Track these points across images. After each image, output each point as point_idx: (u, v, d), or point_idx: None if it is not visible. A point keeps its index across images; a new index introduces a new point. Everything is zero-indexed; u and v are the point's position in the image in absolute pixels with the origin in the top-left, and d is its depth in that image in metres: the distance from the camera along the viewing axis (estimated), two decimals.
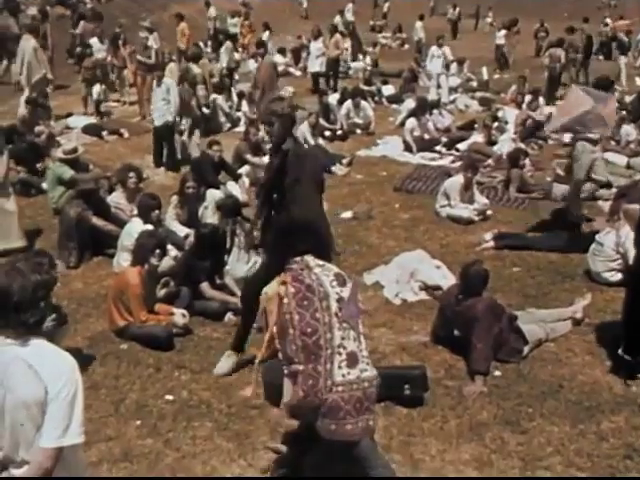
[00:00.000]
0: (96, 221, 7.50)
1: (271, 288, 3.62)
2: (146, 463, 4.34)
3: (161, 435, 4.61)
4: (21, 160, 9.88)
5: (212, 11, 23.58)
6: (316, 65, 17.96)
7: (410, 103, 14.39)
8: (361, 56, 22.52)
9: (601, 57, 24.93)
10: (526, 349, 5.65)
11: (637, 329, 5.27)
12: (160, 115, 10.91)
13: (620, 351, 5.36)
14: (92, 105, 14.92)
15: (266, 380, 5.08)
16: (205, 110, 13.17)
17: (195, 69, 12.97)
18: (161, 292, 6.21)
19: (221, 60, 18.13)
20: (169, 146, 11.04)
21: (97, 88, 14.89)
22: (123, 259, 6.73)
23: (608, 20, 25.26)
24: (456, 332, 5.62)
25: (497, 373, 5.40)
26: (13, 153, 9.60)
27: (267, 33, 22.60)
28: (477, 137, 13.00)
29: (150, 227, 6.70)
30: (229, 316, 6.18)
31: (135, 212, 7.27)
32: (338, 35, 18.59)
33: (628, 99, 15.51)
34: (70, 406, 2.69)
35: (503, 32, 23.53)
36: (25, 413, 2.67)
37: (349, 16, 25.79)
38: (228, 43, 19.14)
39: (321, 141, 12.56)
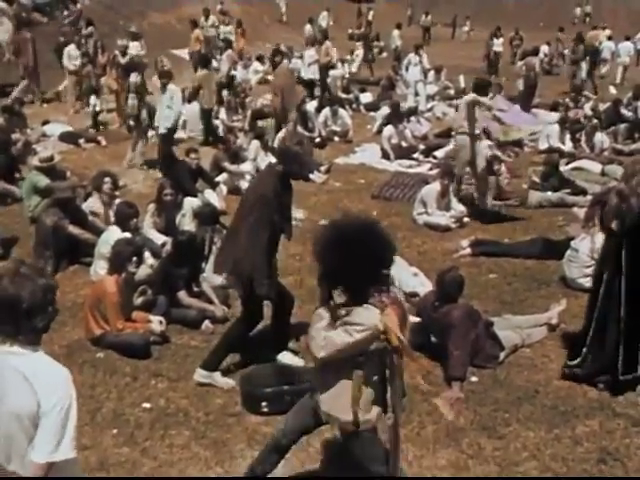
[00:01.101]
0: (72, 229, 7.46)
1: (389, 323, 3.37)
2: (123, 472, 4.31)
3: (138, 444, 4.59)
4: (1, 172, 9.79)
5: (213, 19, 23.16)
6: (309, 72, 17.93)
7: (385, 110, 14.49)
8: (339, 64, 22.58)
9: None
10: (502, 355, 5.70)
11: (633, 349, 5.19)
12: (165, 123, 10.85)
13: (621, 377, 5.20)
14: (89, 117, 14.55)
15: (244, 388, 5.11)
16: None
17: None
18: (138, 300, 6.19)
19: (222, 68, 18.08)
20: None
21: (93, 99, 14.46)
22: (100, 267, 6.69)
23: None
24: (433, 339, 5.65)
25: (474, 379, 5.44)
26: None
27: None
28: (451, 145, 13.09)
29: (127, 235, 6.67)
30: (206, 324, 6.17)
31: (111, 217, 7.24)
32: (328, 42, 18.62)
33: (602, 107, 15.73)
34: (63, 420, 2.64)
35: (501, 40, 23.85)
36: (17, 425, 2.64)
37: (323, 24, 25.85)
38: (230, 51, 19.11)
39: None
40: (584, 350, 5.31)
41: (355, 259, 3.34)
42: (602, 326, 5.21)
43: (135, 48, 17.76)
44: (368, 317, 3.38)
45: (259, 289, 5.05)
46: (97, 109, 14.44)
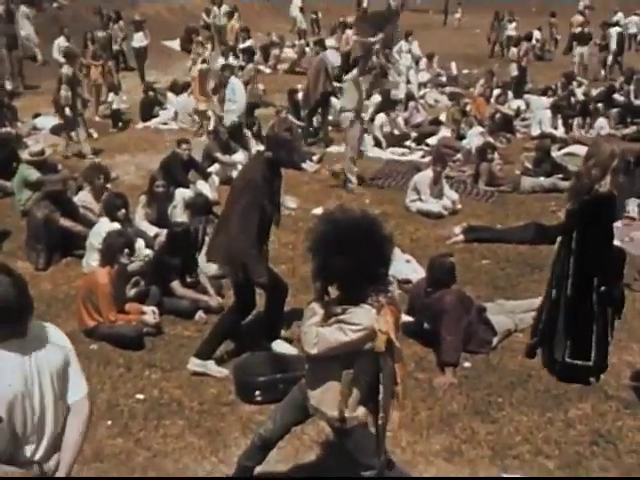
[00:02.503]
0: (64, 222, 7.44)
1: (384, 325, 3.31)
2: (117, 462, 4.32)
3: (132, 434, 4.60)
4: None
5: (225, 8, 22.62)
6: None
7: (376, 98, 14.45)
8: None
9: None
10: (495, 340, 5.72)
11: (581, 331, 5.17)
12: (230, 116, 10.90)
13: (567, 358, 5.18)
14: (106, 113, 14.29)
15: (237, 377, 5.12)
16: None
17: None
18: (131, 292, 6.18)
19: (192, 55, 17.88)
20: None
21: (112, 97, 14.21)
22: (92, 259, 6.68)
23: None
24: (426, 325, 5.67)
25: (467, 364, 5.46)
26: None
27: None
28: (446, 132, 13.10)
29: (118, 226, 6.65)
30: (200, 314, 6.18)
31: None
32: (348, 31, 18.46)
33: (594, 92, 15.74)
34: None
35: (514, 24, 23.73)
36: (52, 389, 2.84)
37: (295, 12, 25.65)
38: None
39: None
40: (539, 328, 5.41)
41: (353, 256, 3.24)
42: (556, 305, 5.25)
43: (139, 39, 17.74)
44: (364, 317, 3.31)
45: (253, 274, 5.05)
46: (114, 107, 14.11)
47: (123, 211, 6.97)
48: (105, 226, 6.66)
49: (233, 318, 5.39)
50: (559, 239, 5.37)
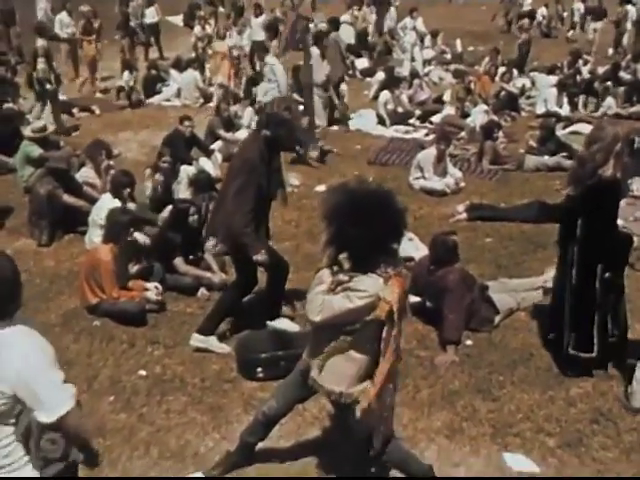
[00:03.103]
0: (67, 198, 7.44)
1: (390, 294, 3.32)
2: (120, 437, 4.35)
3: (135, 410, 4.62)
4: None
5: None
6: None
7: (380, 75, 14.35)
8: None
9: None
10: (497, 318, 5.72)
11: (584, 321, 5.05)
12: (263, 95, 10.80)
13: (571, 350, 5.06)
14: (123, 95, 13.94)
15: (239, 354, 5.13)
16: None
17: None
18: (134, 268, 6.18)
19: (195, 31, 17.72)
20: None
21: (127, 75, 13.89)
22: (95, 236, 6.68)
23: None
24: (428, 303, 5.67)
25: (469, 342, 5.47)
26: None
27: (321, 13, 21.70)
28: (450, 110, 13.02)
29: (120, 204, 6.64)
30: (202, 291, 6.18)
31: (107, 187, 7.22)
32: (366, 8, 18.22)
33: (601, 70, 15.61)
34: None
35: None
36: None
37: None
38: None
39: None
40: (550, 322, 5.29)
41: (367, 227, 3.26)
42: (560, 296, 5.13)
43: (151, 14, 17.62)
44: (371, 285, 3.31)
45: (250, 252, 5.04)
46: (131, 84, 13.83)
47: (128, 190, 6.94)
48: (107, 202, 6.65)
49: (234, 295, 5.40)
50: (561, 226, 5.26)
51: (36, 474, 2.67)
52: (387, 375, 3.38)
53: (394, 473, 3.89)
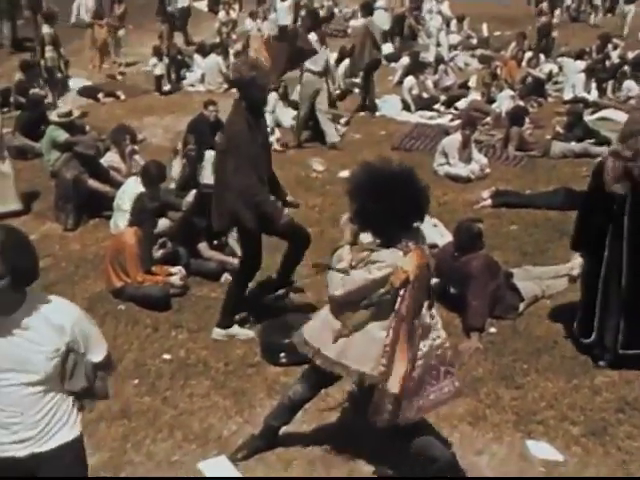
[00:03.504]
0: (92, 183, 7.49)
1: (408, 264, 3.35)
2: (144, 420, 4.39)
3: (159, 393, 4.66)
4: (23, 127, 9.78)
5: None
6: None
7: (406, 61, 14.24)
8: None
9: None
10: (522, 306, 5.68)
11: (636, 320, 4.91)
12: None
13: (620, 350, 4.93)
14: (164, 81, 13.92)
15: (263, 339, 5.15)
16: None
17: None
18: (158, 253, 6.22)
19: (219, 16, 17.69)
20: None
21: (161, 67, 13.80)
22: (120, 220, 6.72)
23: None
24: (452, 289, 5.63)
25: (492, 330, 5.44)
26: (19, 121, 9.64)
27: None
28: (476, 95, 12.90)
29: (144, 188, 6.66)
30: (226, 276, 6.20)
31: (131, 170, 7.26)
32: None
33: (631, 55, 15.34)
34: None
35: None
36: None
37: None
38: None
39: None
40: (596, 326, 4.98)
41: (388, 201, 3.35)
42: (606, 296, 4.91)
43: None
44: (389, 256, 3.37)
45: (276, 217, 4.98)
46: (158, 72, 13.75)
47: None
48: (132, 187, 6.68)
49: (240, 280, 5.33)
50: (598, 222, 4.91)
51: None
52: (407, 355, 3.35)
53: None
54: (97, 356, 2.83)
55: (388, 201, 3.35)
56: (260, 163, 4.96)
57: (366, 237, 3.61)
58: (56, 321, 2.63)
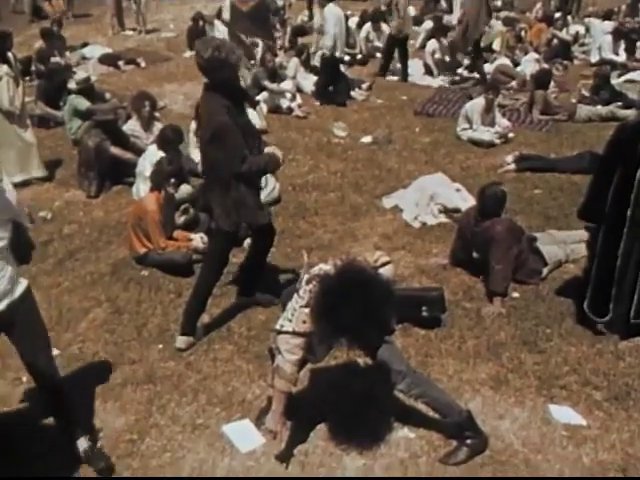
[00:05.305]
0: (115, 150, 7.51)
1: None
2: (169, 384, 4.43)
3: (183, 358, 4.70)
4: (44, 96, 9.81)
5: None
6: None
7: (428, 24, 14.05)
8: None
9: None
10: (545, 270, 5.63)
11: (604, 282, 4.78)
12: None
13: (585, 307, 4.90)
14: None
15: (285, 305, 5.15)
16: None
17: None
18: (180, 219, 6.24)
19: None
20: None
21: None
22: (142, 187, 6.75)
23: None
24: (475, 254, 5.59)
25: (515, 294, 5.41)
26: (40, 89, 9.65)
27: None
28: (502, 58, 12.69)
29: (165, 154, 6.67)
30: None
31: (151, 137, 7.26)
32: None
33: None
34: None
35: None
36: None
37: None
38: None
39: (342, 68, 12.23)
40: (611, 307, 4.80)
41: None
42: (624, 272, 4.71)
43: None
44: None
45: (221, 222, 4.63)
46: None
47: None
48: (153, 154, 6.69)
49: (208, 281, 4.95)
50: (616, 189, 4.65)
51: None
52: None
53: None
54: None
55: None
56: (248, 149, 4.53)
57: None
58: None
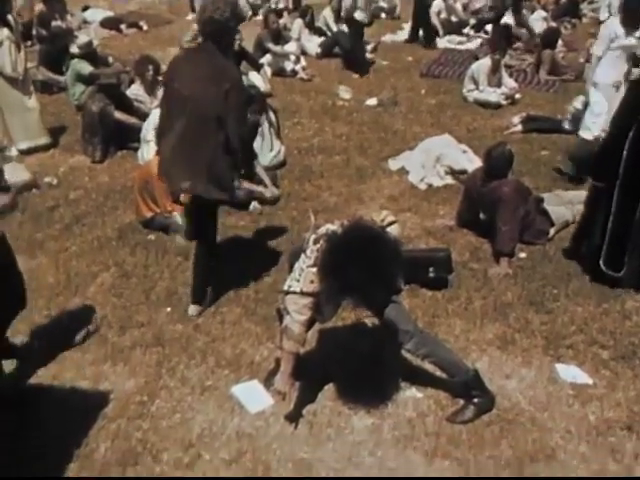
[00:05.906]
0: (119, 115, 7.47)
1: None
2: (178, 346, 4.46)
3: (191, 321, 4.72)
4: (47, 61, 9.73)
5: None
6: None
7: None
8: None
9: None
10: (552, 231, 5.63)
11: (620, 237, 4.83)
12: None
13: (601, 263, 4.95)
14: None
15: (292, 264, 5.16)
16: None
17: None
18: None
19: None
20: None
21: None
22: (146, 152, 6.73)
23: None
24: (481, 215, 5.58)
25: (522, 255, 5.41)
26: (42, 54, 9.57)
27: None
28: (508, 18, 12.51)
29: None
30: (254, 205, 6.21)
31: (155, 104, 7.21)
32: None
33: None
34: None
35: None
36: None
37: None
38: None
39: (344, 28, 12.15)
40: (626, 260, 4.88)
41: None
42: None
43: None
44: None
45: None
46: None
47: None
48: (157, 118, 6.64)
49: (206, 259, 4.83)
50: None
51: None
52: None
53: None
54: None
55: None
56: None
57: None
58: None
